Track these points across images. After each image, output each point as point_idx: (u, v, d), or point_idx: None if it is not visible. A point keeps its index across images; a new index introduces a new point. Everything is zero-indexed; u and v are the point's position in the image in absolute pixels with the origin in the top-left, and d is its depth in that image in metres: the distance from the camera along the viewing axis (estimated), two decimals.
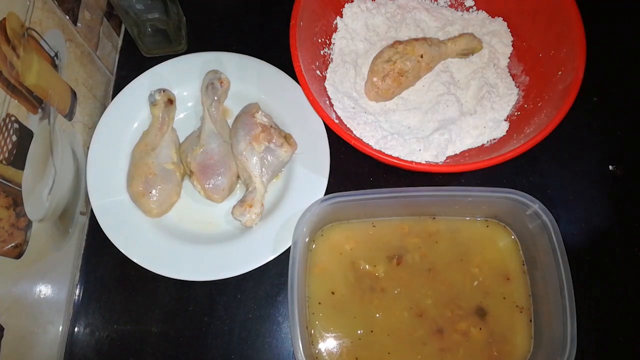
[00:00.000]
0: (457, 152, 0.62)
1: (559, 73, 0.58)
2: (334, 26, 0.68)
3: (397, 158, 0.57)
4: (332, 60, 0.68)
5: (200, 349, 0.60)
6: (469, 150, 0.62)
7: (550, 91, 0.59)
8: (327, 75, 0.66)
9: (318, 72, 0.65)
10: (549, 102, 0.58)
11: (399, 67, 0.62)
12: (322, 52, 0.67)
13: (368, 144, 0.60)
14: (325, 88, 0.65)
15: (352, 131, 0.62)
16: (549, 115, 0.56)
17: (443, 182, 0.66)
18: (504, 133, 0.62)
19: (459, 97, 0.64)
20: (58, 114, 0.60)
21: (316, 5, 0.64)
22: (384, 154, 0.57)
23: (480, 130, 0.62)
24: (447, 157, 0.62)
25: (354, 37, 0.68)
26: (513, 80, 0.66)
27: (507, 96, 0.64)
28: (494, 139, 0.62)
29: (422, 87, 0.66)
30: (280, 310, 0.61)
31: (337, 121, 0.61)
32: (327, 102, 0.63)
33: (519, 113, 0.63)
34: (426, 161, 0.60)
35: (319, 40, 0.66)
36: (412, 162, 0.57)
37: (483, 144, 0.62)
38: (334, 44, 0.68)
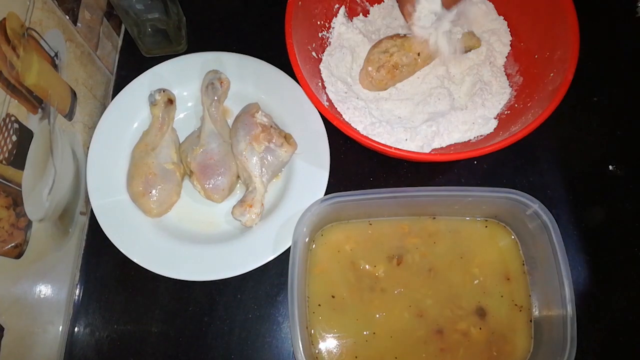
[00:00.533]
0: (444, 145, 0.62)
1: (551, 75, 0.58)
2: (334, 10, 0.68)
3: (381, 144, 0.56)
4: (329, 43, 0.68)
5: (200, 349, 0.60)
6: (455, 145, 0.62)
7: (541, 92, 0.59)
8: (323, 58, 0.66)
9: (314, 53, 0.65)
10: (538, 103, 0.58)
11: (394, 60, 0.62)
12: (320, 35, 0.67)
13: (355, 128, 0.60)
14: (319, 70, 0.65)
15: (341, 115, 0.62)
16: (535, 115, 0.55)
17: (443, 182, 0.66)
18: (492, 130, 0.62)
19: (451, 92, 0.64)
20: (58, 114, 0.60)
21: None
22: (369, 139, 0.56)
23: (468, 125, 0.62)
24: (433, 150, 0.62)
25: (354, 24, 0.69)
26: (507, 79, 0.66)
27: (500, 95, 0.64)
28: (481, 136, 0.62)
29: (416, 78, 0.66)
30: (280, 310, 0.61)
31: (327, 104, 0.61)
32: (320, 84, 0.63)
33: (508, 112, 0.63)
34: (411, 151, 0.60)
35: (318, 23, 0.66)
36: (391, 147, 0.56)
37: (470, 140, 0.62)
38: (333, 28, 0.68)
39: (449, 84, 0.65)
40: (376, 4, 0.71)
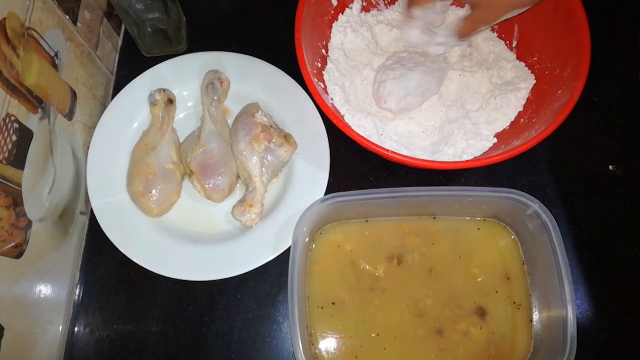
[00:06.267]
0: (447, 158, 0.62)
1: (559, 92, 0.58)
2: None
3: (387, 149, 0.55)
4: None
5: (200, 349, 0.60)
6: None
7: (547, 108, 0.59)
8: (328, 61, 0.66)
9: (323, 51, 0.65)
10: (543, 119, 0.58)
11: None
12: (329, 33, 0.67)
13: (359, 132, 0.58)
14: (326, 69, 0.65)
15: (343, 115, 0.62)
16: (538, 130, 0.55)
17: (443, 182, 0.66)
18: (492, 144, 0.62)
19: (468, 112, 0.64)
20: (58, 114, 0.60)
21: None
22: (373, 143, 0.56)
23: (474, 140, 0.62)
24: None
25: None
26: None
27: (512, 111, 0.63)
28: (483, 148, 0.62)
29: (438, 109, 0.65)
30: (280, 310, 0.61)
31: (331, 102, 0.61)
32: (323, 87, 0.63)
33: (511, 127, 0.63)
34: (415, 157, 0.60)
35: (327, 18, 0.66)
36: (396, 153, 0.56)
37: (472, 152, 0.62)
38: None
39: (468, 105, 0.65)
40: (391, 5, 0.70)
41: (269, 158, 0.61)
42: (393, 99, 0.62)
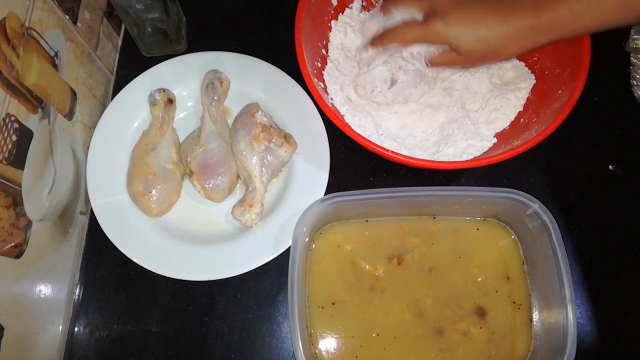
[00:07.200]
0: (447, 158, 0.62)
1: (559, 92, 0.58)
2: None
3: (377, 145, 0.55)
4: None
5: (200, 349, 0.60)
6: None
7: (547, 108, 0.59)
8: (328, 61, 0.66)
9: (323, 51, 0.65)
10: (543, 119, 0.58)
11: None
12: (329, 34, 0.67)
13: (358, 132, 0.58)
14: (326, 69, 0.65)
15: (343, 115, 0.62)
16: (538, 130, 0.55)
17: (443, 182, 0.66)
18: (492, 144, 0.62)
19: (467, 112, 0.64)
20: (58, 114, 0.60)
21: None
22: (373, 143, 0.56)
23: (474, 140, 0.62)
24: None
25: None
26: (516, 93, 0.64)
27: (512, 111, 0.63)
28: (483, 148, 0.62)
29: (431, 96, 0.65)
30: (280, 310, 0.61)
31: (331, 102, 0.61)
32: (323, 87, 0.63)
33: (511, 127, 0.63)
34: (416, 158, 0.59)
35: (327, 18, 0.66)
36: (398, 153, 0.56)
37: (472, 152, 0.62)
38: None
39: (468, 105, 0.64)
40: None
41: (269, 158, 0.61)
42: (369, 88, 0.61)
